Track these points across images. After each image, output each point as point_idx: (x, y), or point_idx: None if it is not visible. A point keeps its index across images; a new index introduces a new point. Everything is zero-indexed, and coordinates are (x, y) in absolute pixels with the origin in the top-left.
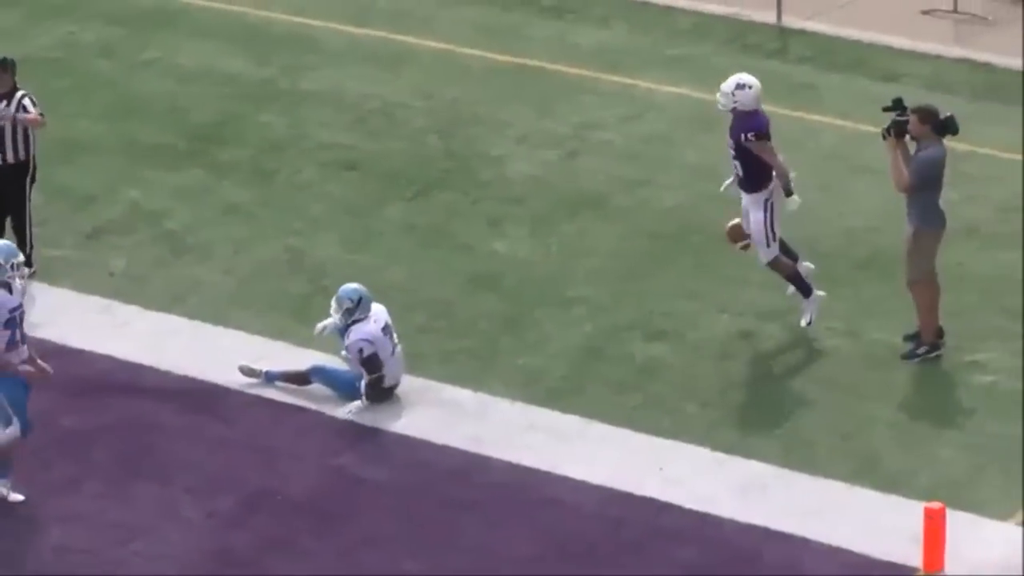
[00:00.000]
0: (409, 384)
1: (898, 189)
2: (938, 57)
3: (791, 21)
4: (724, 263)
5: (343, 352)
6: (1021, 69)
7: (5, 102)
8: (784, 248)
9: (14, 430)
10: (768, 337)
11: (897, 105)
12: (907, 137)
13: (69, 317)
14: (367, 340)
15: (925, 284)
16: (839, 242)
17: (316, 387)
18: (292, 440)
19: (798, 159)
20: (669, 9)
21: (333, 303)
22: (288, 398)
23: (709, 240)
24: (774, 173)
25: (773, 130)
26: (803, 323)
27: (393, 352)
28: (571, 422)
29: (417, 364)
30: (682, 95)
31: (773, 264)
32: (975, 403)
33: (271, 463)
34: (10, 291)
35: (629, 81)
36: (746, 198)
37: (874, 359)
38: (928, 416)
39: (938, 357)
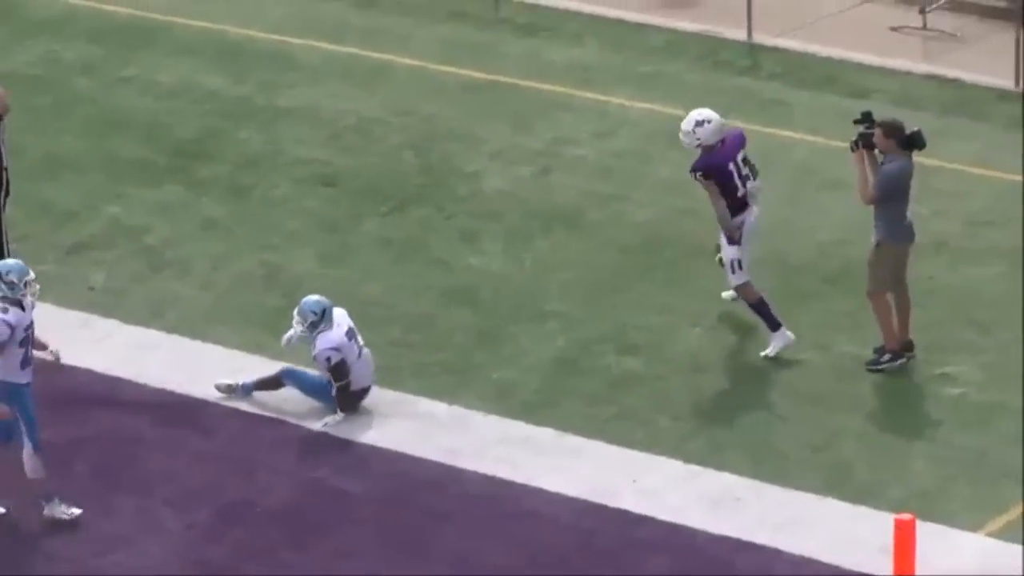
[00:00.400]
0: (385, 397)
1: (863, 201)
2: (907, 73)
3: (762, 38)
4: (696, 277)
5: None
6: (989, 85)
7: None
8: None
9: (29, 454)
10: (740, 351)
11: (866, 118)
12: (876, 151)
13: (49, 331)
14: (334, 348)
15: (881, 296)
16: (809, 256)
17: (292, 399)
18: (270, 452)
19: (769, 174)
20: (642, 26)
21: (296, 316)
22: (265, 411)
23: (681, 254)
24: (745, 200)
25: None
26: (763, 354)
27: (359, 355)
28: (545, 435)
29: (393, 377)
30: (654, 111)
31: (740, 289)
32: (944, 415)
33: (249, 475)
34: (22, 309)
35: (602, 97)
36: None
37: (844, 372)
38: (898, 428)
39: (903, 368)
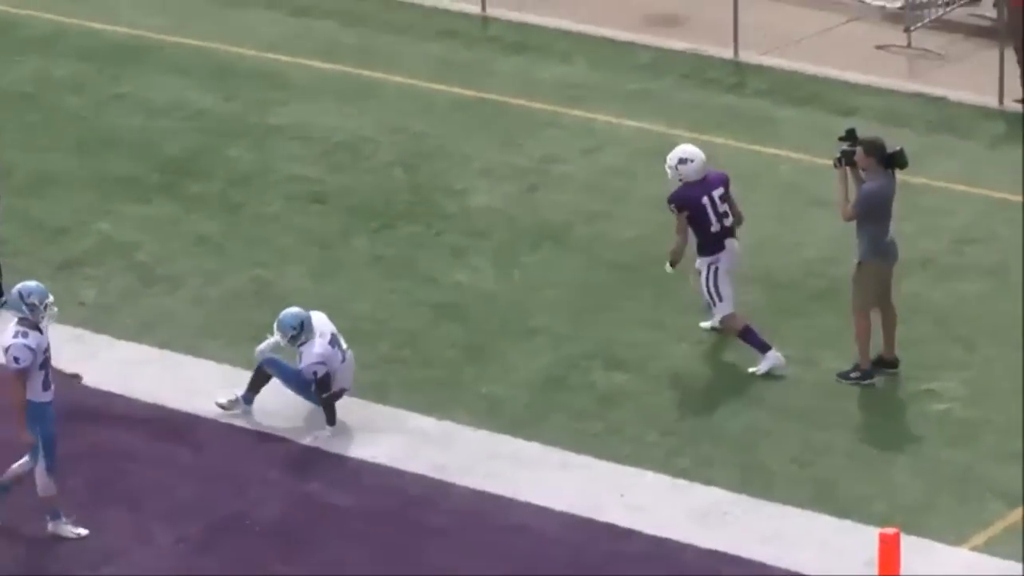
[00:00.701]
0: (375, 412)
1: (842, 218)
2: (892, 91)
3: (748, 56)
4: (682, 293)
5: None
6: (973, 103)
7: None
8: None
9: (42, 472)
10: (726, 366)
11: (850, 136)
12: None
13: None
14: (319, 362)
15: (864, 314)
16: (796, 273)
17: (283, 413)
18: (260, 467)
19: (755, 191)
20: (629, 45)
21: (276, 331)
22: (256, 426)
23: (664, 270)
24: (722, 238)
25: (729, 162)
26: (752, 370)
27: (343, 359)
28: (534, 449)
29: (383, 393)
30: (642, 129)
31: (725, 321)
32: (929, 431)
33: (240, 489)
34: (40, 331)
35: (590, 115)
36: (697, 259)
37: (830, 388)
38: (883, 443)
39: (873, 386)
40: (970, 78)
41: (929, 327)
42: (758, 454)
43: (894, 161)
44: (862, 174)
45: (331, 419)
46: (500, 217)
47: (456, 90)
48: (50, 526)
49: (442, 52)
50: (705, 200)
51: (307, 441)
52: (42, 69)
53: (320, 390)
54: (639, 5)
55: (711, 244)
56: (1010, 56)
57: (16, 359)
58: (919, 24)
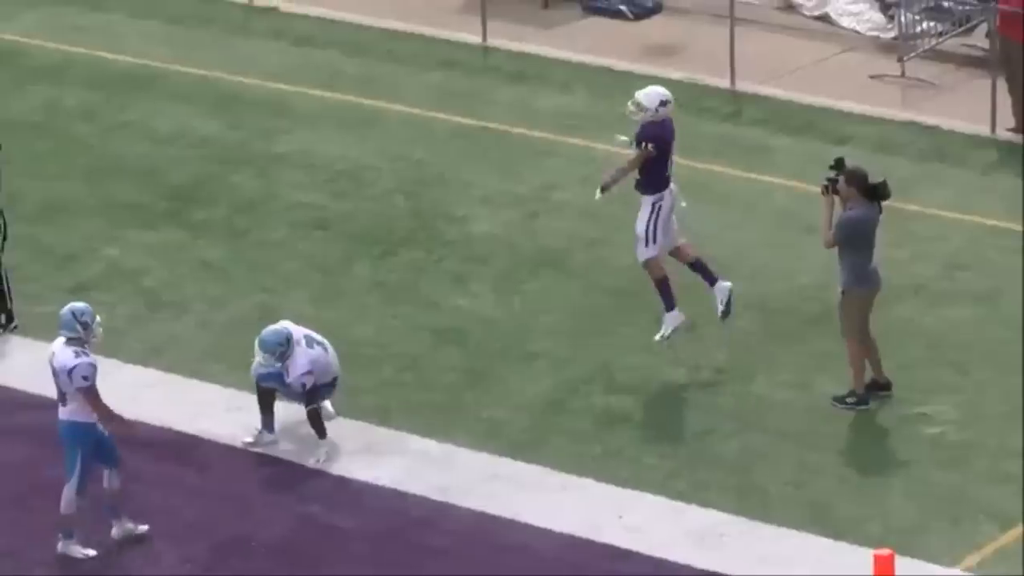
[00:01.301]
0: (377, 434)
1: (823, 245)
2: (886, 120)
3: (745, 86)
4: None
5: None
6: (965, 132)
7: None
8: (704, 270)
9: (70, 490)
10: (723, 390)
11: (838, 165)
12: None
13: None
14: (308, 372)
15: (853, 340)
16: (791, 298)
17: (285, 435)
18: (265, 489)
19: (751, 218)
20: (627, 74)
21: (260, 353)
22: (259, 448)
23: None
24: (669, 180)
25: (726, 190)
26: (657, 337)
27: (327, 350)
28: (533, 472)
29: (385, 416)
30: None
31: (647, 264)
32: (923, 453)
33: (245, 511)
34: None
35: (588, 143)
36: (641, 199)
37: (824, 411)
38: (877, 466)
39: (868, 411)
40: (963, 107)
41: (922, 351)
42: (754, 476)
43: (876, 192)
44: (842, 203)
45: (321, 432)
46: (500, 243)
47: (457, 119)
48: (60, 545)
49: (443, 81)
50: (673, 143)
51: (310, 463)
52: (50, 98)
53: (308, 401)
54: (637, 35)
55: (661, 183)
56: (1002, 86)
57: (85, 378)
58: (913, 54)
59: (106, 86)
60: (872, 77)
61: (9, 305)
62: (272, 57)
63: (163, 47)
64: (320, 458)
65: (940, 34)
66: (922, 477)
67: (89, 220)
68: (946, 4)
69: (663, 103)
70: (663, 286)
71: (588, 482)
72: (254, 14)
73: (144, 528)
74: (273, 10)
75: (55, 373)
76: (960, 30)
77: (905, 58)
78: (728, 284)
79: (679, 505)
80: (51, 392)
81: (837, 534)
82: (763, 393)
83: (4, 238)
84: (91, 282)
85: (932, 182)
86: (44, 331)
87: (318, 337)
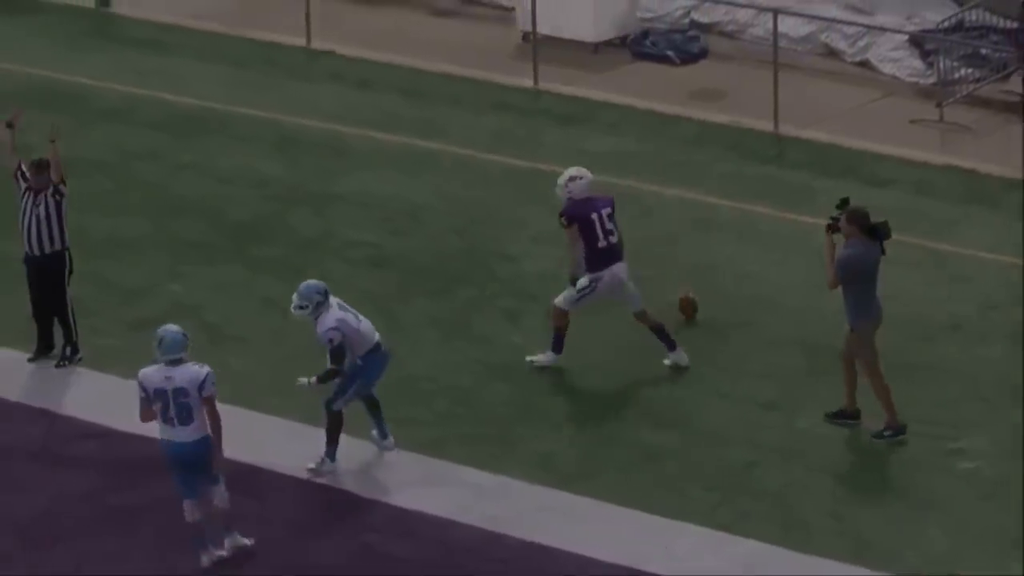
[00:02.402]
0: (432, 466)
1: (828, 286)
2: (925, 164)
3: (787, 130)
4: (724, 354)
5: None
6: (1002, 175)
7: (42, 194)
8: (665, 336)
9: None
10: (766, 424)
11: (843, 204)
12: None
13: (115, 402)
14: (334, 328)
15: (873, 373)
16: (831, 336)
17: (342, 466)
18: (321, 517)
19: (794, 258)
20: (674, 118)
21: (299, 300)
22: (317, 478)
23: (709, 332)
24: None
25: (769, 230)
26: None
27: (359, 318)
28: (582, 503)
29: (439, 448)
30: (686, 198)
31: (555, 312)
32: (959, 488)
33: (303, 539)
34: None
35: (636, 184)
36: (584, 275)
37: (864, 446)
38: (915, 499)
39: (903, 444)
40: (999, 151)
41: (957, 388)
42: (796, 508)
43: (876, 231)
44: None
45: (332, 443)
46: (551, 281)
47: (509, 160)
48: (206, 558)
49: (495, 124)
50: (594, 216)
51: (366, 493)
52: (116, 138)
53: (332, 359)
54: (683, 80)
55: (597, 260)
56: None
57: (214, 383)
58: (951, 100)
59: (170, 127)
60: (912, 122)
61: (74, 338)
62: (331, 99)
63: (225, 89)
64: (315, 467)
65: (978, 80)
66: (958, 510)
67: (152, 256)
68: (984, 51)
69: (571, 179)
70: (557, 335)
71: (635, 513)
72: (313, 57)
73: (250, 541)
74: (331, 53)
75: (177, 393)
76: (997, 76)
77: (944, 103)
78: (684, 356)
79: (723, 536)
80: (113, 423)
81: (876, 565)
82: (805, 427)
83: (71, 272)
84: (154, 317)
85: (969, 224)
86: (107, 363)
87: (352, 309)
